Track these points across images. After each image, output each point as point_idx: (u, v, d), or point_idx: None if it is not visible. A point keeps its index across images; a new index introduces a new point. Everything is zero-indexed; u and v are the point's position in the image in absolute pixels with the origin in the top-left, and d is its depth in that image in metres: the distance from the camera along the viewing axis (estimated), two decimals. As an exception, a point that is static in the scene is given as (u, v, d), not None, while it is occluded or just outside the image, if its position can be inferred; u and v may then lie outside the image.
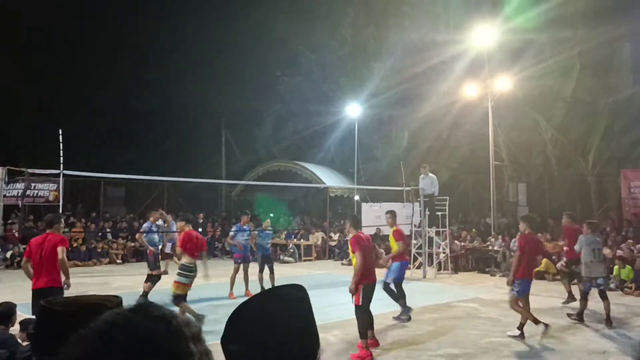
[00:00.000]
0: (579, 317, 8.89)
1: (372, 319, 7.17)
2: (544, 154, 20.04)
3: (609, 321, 8.56)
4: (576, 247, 9.04)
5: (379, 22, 23.10)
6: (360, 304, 6.83)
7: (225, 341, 1.14)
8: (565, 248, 10.76)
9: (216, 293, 11.00)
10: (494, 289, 12.50)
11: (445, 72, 20.69)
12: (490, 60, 17.67)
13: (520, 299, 7.94)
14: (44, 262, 6.31)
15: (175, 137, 27.78)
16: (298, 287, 1.26)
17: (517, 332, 7.76)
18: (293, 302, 1.21)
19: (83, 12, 26.64)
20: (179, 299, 8.12)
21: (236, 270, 11.39)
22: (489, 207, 17.94)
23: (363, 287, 6.85)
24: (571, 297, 10.32)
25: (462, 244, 17.03)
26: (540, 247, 8.80)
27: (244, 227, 11.83)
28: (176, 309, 8.27)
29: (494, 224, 17.82)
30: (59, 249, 6.32)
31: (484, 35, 16.95)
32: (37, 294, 6.13)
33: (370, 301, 6.97)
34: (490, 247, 16.48)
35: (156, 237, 11.25)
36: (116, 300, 1.41)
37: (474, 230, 18.25)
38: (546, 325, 7.79)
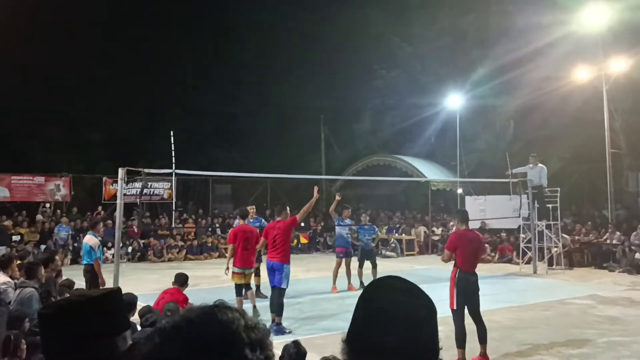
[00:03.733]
0: None
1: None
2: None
3: None
4: None
5: (478, 8, 22.24)
6: (455, 307, 6.22)
7: (372, 336, 1.11)
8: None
9: (319, 287, 11.20)
10: (612, 285, 11.64)
11: (552, 55, 19.48)
12: (605, 41, 16.40)
13: None
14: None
15: (277, 136, 28.58)
16: (402, 278, 1.24)
17: None
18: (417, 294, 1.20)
19: (185, 17, 28.22)
20: (238, 288, 8.45)
21: (338, 265, 11.46)
22: (606, 199, 16.70)
23: (456, 281, 6.26)
24: None
25: (577, 237, 16.00)
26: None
27: (346, 220, 11.84)
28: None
29: (611, 216, 16.57)
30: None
31: (596, 14, 15.75)
32: None
33: (465, 304, 6.29)
34: (607, 241, 15.34)
35: None
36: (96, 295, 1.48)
37: (589, 223, 17.08)
38: None
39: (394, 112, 26.72)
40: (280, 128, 28.71)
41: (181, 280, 7.36)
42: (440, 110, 23.45)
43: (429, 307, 1.19)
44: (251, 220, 11.31)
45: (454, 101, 21.71)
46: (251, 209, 11.11)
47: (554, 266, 14.56)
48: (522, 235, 15.18)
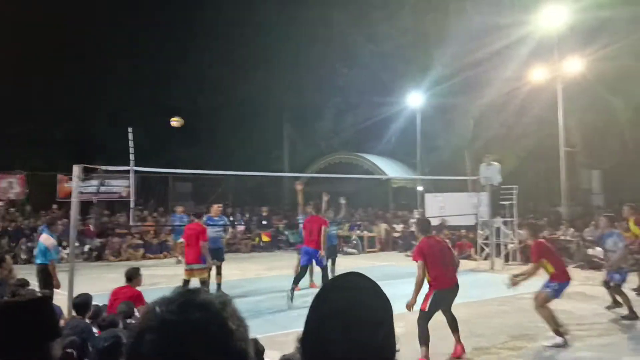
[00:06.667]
0: None
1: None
2: (620, 138, 18.96)
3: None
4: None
5: (439, 8, 22.54)
6: (426, 310, 6.30)
7: (322, 340, 1.09)
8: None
9: (281, 285, 11.17)
10: (566, 280, 11.99)
11: (511, 56, 19.94)
12: (560, 42, 16.88)
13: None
14: None
15: (239, 134, 28.33)
16: (362, 275, 1.22)
17: (559, 340, 6.87)
18: (375, 293, 1.17)
19: (148, 13, 27.64)
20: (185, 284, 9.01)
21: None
22: (560, 196, 17.21)
23: (435, 293, 6.37)
24: None
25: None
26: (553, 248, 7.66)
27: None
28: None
29: (565, 213, 17.08)
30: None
31: (552, 15, 16.20)
32: None
33: (438, 310, 6.44)
34: (562, 237, 15.81)
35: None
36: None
37: (545, 219, 17.56)
38: (564, 339, 6.88)
39: (356, 111, 26.85)
40: (243, 126, 28.46)
41: (129, 274, 6.86)
42: (401, 109, 23.70)
43: (385, 308, 1.16)
44: (216, 219, 11.25)
45: (415, 100, 21.97)
46: (219, 207, 11.20)
47: (510, 262, 14.91)
48: (480, 232, 15.50)
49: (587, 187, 19.70)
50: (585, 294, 9.20)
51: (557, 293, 7.04)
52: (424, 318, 6.27)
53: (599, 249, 14.07)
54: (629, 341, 7.17)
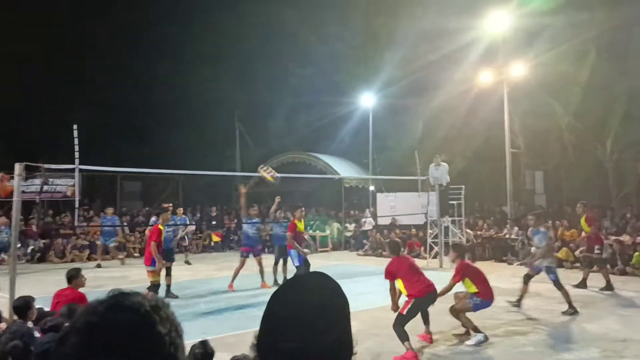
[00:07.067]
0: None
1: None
2: (560, 140, 19.77)
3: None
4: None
5: (390, 11, 22.87)
6: (405, 314, 6.61)
7: (273, 339, 1.08)
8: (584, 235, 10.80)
9: (223, 286, 11.19)
10: (510, 277, 12.38)
11: (459, 59, 20.46)
12: (504, 46, 17.43)
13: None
14: None
15: (190, 131, 27.89)
16: (323, 275, 1.22)
17: (481, 336, 7.06)
18: (332, 291, 1.17)
19: (96, 8, 26.82)
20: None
21: (242, 264, 11.32)
22: (505, 196, 17.77)
23: (415, 300, 6.69)
24: (583, 284, 10.74)
25: (479, 232, 16.91)
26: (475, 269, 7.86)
27: (253, 219, 11.89)
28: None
29: (510, 212, 17.66)
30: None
31: (497, 20, 16.70)
32: None
33: (415, 315, 6.73)
34: (506, 236, 16.35)
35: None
36: None
37: (491, 218, 18.11)
38: (485, 334, 7.11)
39: (309, 110, 26.90)
40: (194, 124, 28.03)
41: (69, 276, 6.55)
42: (353, 110, 23.91)
43: (342, 308, 1.15)
44: (180, 219, 11.25)
45: (367, 100, 22.22)
46: (179, 210, 11.25)
47: (458, 260, 15.27)
48: (429, 231, 15.84)
49: (530, 187, 20.41)
50: (529, 291, 9.54)
51: (476, 307, 7.35)
52: (400, 323, 6.54)
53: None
54: (570, 336, 7.48)
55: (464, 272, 7.33)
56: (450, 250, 8.16)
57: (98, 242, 16.80)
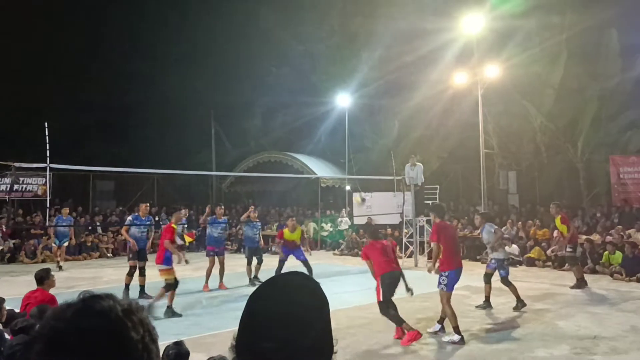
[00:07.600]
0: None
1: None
2: (533, 141, 20.09)
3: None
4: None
5: (367, 12, 22.95)
6: (381, 299, 6.99)
7: (252, 339, 1.06)
8: (556, 234, 10.99)
9: (198, 286, 11.15)
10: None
11: (435, 60, 20.62)
12: (479, 48, 17.63)
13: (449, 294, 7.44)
14: None
15: (165, 130, 27.58)
16: (303, 275, 1.20)
17: (456, 337, 7.10)
18: (310, 292, 1.15)
19: (68, 7, 26.33)
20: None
21: (211, 263, 11.37)
22: (480, 196, 17.98)
23: (381, 278, 7.04)
24: (583, 282, 10.95)
25: (453, 232, 17.08)
26: (453, 232, 8.40)
27: (220, 219, 11.89)
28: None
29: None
30: None
31: (472, 22, 16.89)
32: None
33: (392, 294, 7.07)
34: (480, 235, 16.52)
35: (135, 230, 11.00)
36: None
37: (466, 218, 18.30)
38: (462, 337, 7.12)
39: (285, 110, 26.83)
40: (169, 122, 27.73)
41: (39, 276, 6.35)
42: (330, 109, 23.93)
43: (320, 308, 1.13)
44: (143, 219, 10.98)
45: (343, 100, 22.27)
46: (146, 206, 11.09)
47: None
48: (405, 230, 15.95)
49: (504, 187, 20.68)
50: (502, 289, 9.67)
51: (450, 286, 7.43)
52: (384, 307, 6.96)
53: (515, 246, 14.89)
54: (542, 333, 7.61)
55: (439, 232, 7.52)
56: (430, 211, 8.72)
57: (53, 245, 15.86)
